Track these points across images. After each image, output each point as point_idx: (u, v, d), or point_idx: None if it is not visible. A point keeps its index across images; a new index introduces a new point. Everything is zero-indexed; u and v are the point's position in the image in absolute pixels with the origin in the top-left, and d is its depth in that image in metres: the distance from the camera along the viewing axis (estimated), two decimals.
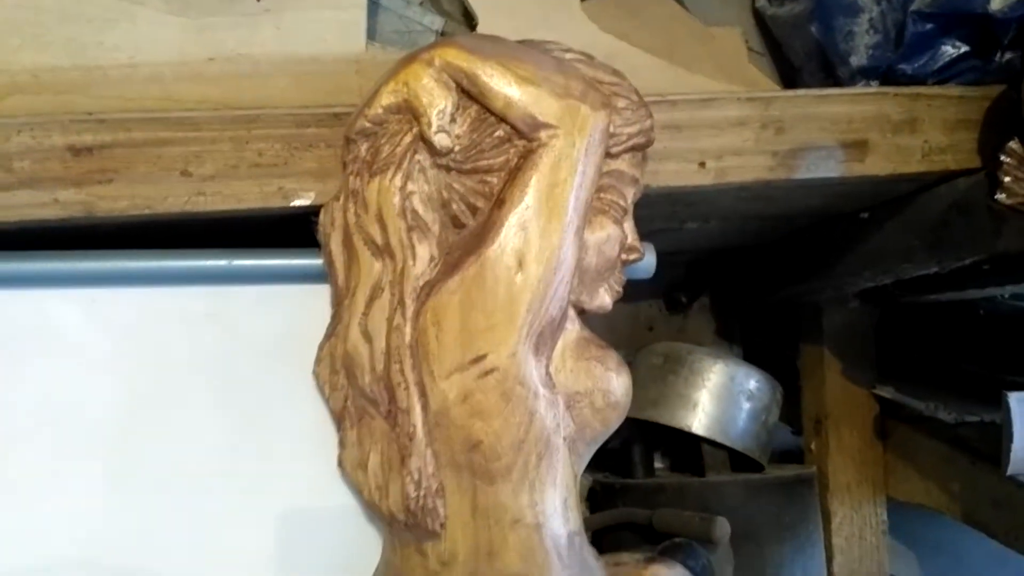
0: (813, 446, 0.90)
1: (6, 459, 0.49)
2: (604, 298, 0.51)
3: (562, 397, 0.48)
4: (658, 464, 0.95)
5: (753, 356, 0.98)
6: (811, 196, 0.62)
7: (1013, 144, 0.51)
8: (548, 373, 0.48)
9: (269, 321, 0.51)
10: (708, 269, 0.99)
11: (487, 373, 0.46)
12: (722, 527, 0.71)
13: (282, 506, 0.50)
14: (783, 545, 0.82)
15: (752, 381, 0.88)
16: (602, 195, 0.49)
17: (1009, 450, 0.72)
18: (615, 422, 0.50)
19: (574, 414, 0.49)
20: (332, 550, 0.50)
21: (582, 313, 0.50)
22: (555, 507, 0.47)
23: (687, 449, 0.90)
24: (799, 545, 0.83)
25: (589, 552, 0.49)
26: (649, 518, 0.78)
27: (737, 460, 0.89)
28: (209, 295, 0.51)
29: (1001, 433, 0.73)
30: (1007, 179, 0.51)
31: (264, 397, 0.51)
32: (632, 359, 0.94)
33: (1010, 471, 0.72)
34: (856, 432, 0.88)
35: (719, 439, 0.86)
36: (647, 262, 0.55)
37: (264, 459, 0.51)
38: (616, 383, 0.50)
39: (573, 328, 0.49)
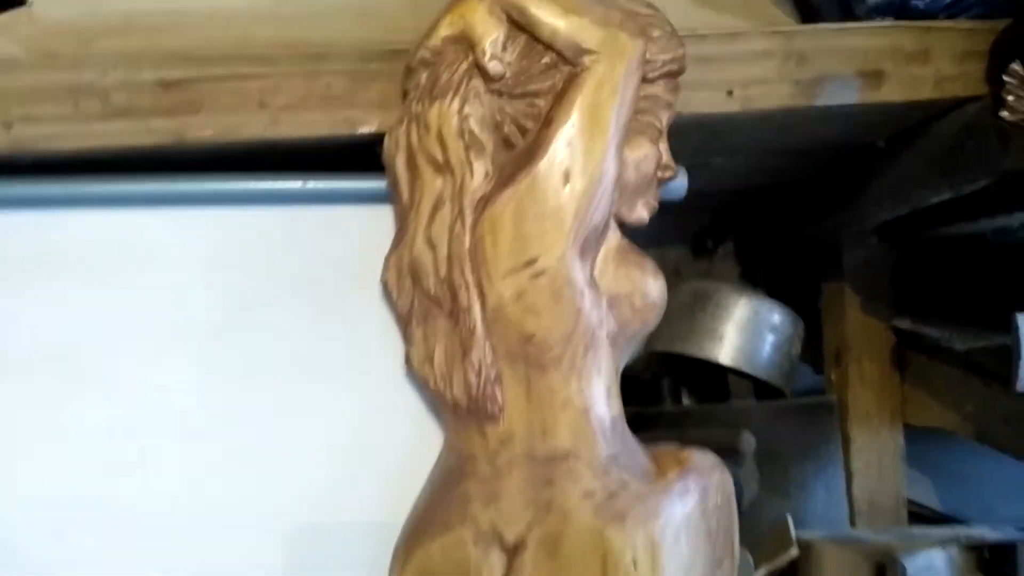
0: (833, 377, 0.95)
1: (111, 359, 0.55)
2: (642, 212, 0.56)
3: (605, 298, 0.54)
4: (685, 400, 1.01)
5: (776, 297, 1.03)
6: (830, 126, 0.67)
7: (1015, 65, 0.56)
8: (592, 276, 0.53)
9: (339, 238, 0.57)
10: (732, 215, 1.04)
11: (539, 275, 0.52)
12: (747, 440, 0.77)
13: (353, 401, 0.56)
14: (805, 465, 0.88)
15: (775, 315, 0.93)
16: (639, 117, 0.54)
17: (1019, 367, 0.77)
18: (652, 321, 0.56)
19: (615, 313, 0.54)
20: (397, 440, 0.56)
21: (622, 225, 0.56)
22: (600, 393, 0.53)
23: (714, 381, 0.96)
24: (821, 466, 0.88)
25: (630, 435, 0.54)
26: (678, 439, 0.84)
27: (761, 392, 0.94)
28: (286, 215, 0.57)
29: (1011, 354, 0.78)
30: (1010, 98, 0.56)
31: (336, 305, 0.57)
32: None
33: (1020, 388, 0.77)
34: (875, 363, 0.93)
35: (744, 369, 0.91)
36: (679, 183, 0.60)
37: (338, 360, 0.57)
38: (653, 286, 0.55)
39: (614, 237, 0.55)
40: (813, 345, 1.02)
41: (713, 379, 0.95)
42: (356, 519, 0.55)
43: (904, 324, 0.91)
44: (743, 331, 0.92)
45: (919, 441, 1.00)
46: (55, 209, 0.54)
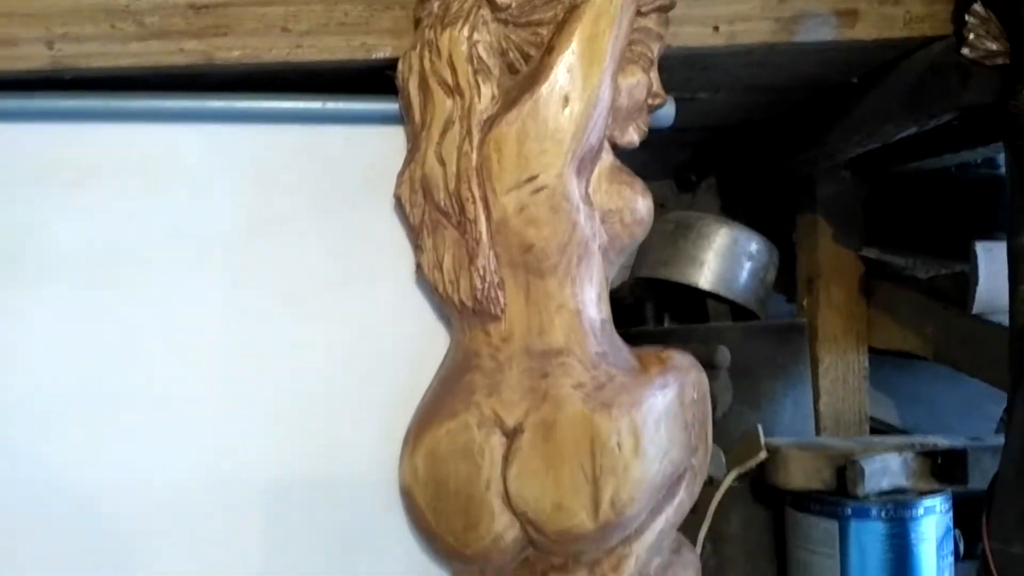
0: (805, 303, 1.02)
1: (144, 264, 0.60)
2: (632, 135, 0.61)
3: (598, 213, 0.59)
4: (667, 323, 1.08)
5: (755, 228, 1.09)
6: (808, 62, 0.72)
7: (977, 6, 0.61)
8: (587, 192, 0.59)
9: (355, 155, 0.62)
10: (714, 151, 1.09)
11: (539, 190, 0.57)
12: (723, 354, 0.84)
13: (368, 304, 0.62)
14: (776, 381, 0.95)
15: (753, 243, 0.99)
16: (633, 47, 0.59)
17: (975, 292, 0.84)
18: (640, 236, 0.62)
19: (607, 227, 0.60)
20: (409, 339, 0.62)
21: (615, 147, 0.61)
22: (591, 298, 0.59)
23: (694, 305, 1.02)
24: (790, 382, 0.95)
25: (617, 336, 0.61)
26: None
27: (737, 316, 1.01)
28: (306, 133, 0.62)
29: (968, 280, 0.85)
30: (971, 36, 0.61)
31: (352, 217, 0.62)
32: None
33: (975, 310, 0.84)
34: (843, 290, 1.00)
35: (723, 293, 0.97)
36: (667, 111, 0.65)
37: (354, 267, 0.62)
38: (641, 203, 0.61)
39: (608, 158, 0.60)
40: (788, 275, 1.08)
41: (693, 303, 1.01)
42: (371, 410, 0.62)
43: (872, 253, 0.98)
44: (722, 258, 0.98)
45: (883, 366, 1.08)
46: (94, 123, 0.59)
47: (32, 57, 0.58)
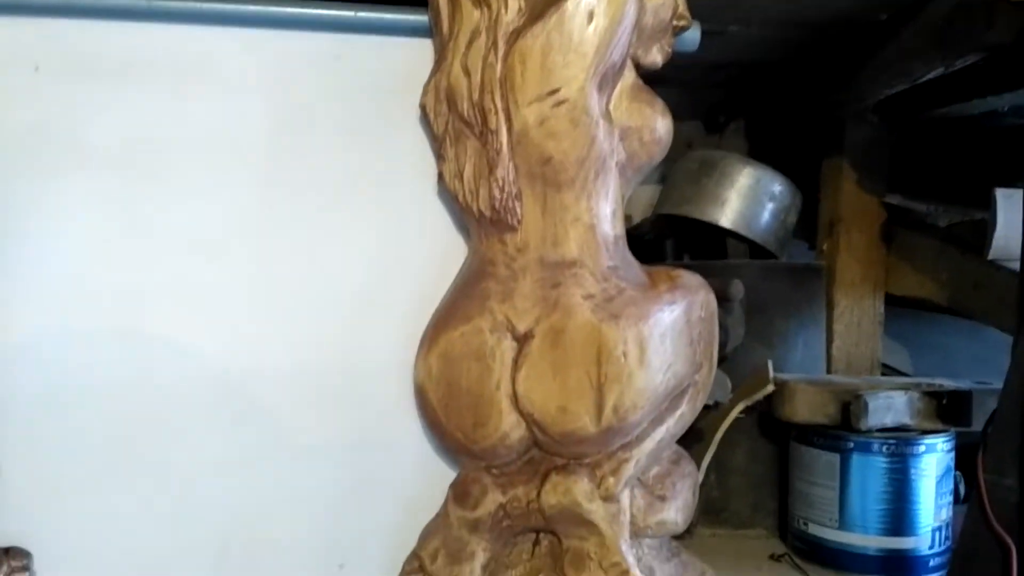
0: (825, 246, 1.03)
1: (177, 160, 0.63)
2: (656, 56, 0.62)
3: (617, 130, 0.61)
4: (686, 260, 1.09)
5: (782, 171, 1.09)
6: None
7: None
8: (608, 109, 0.60)
9: (383, 65, 0.64)
10: (744, 92, 1.10)
11: (560, 103, 0.58)
12: (736, 287, 0.85)
13: (391, 210, 0.64)
14: (789, 321, 0.96)
15: (776, 185, 1.00)
16: None
17: (992, 237, 0.84)
18: (657, 156, 0.63)
19: (625, 145, 0.61)
20: (429, 246, 0.64)
21: (638, 66, 0.62)
22: (606, 213, 0.61)
23: (714, 244, 1.03)
24: (803, 323, 0.97)
25: (629, 252, 0.62)
26: None
27: (756, 257, 1.02)
28: (338, 41, 0.63)
29: (987, 226, 0.85)
30: None
31: (379, 125, 0.64)
32: (671, 166, 1.06)
33: (991, 255, 0.85)
34: (864, 235, 1.01)
35: (742, 232, 0.99)
36: (693, 35, 0.66)
37: (378, 173, 0.64)
38: (660, 123, 0.62)
39: (630, 76, 0.61)
40: (811, 221, 1.09)
41: (714, 242, 1.02)
42: (390, 311, 0.64)
43: (895, 200, 0.98)
44: (744, 198, 0.99)
45: (900, 317, 1.09)
46: (136, 21, 0.61)
47: None
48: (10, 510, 0.60)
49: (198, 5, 0.62)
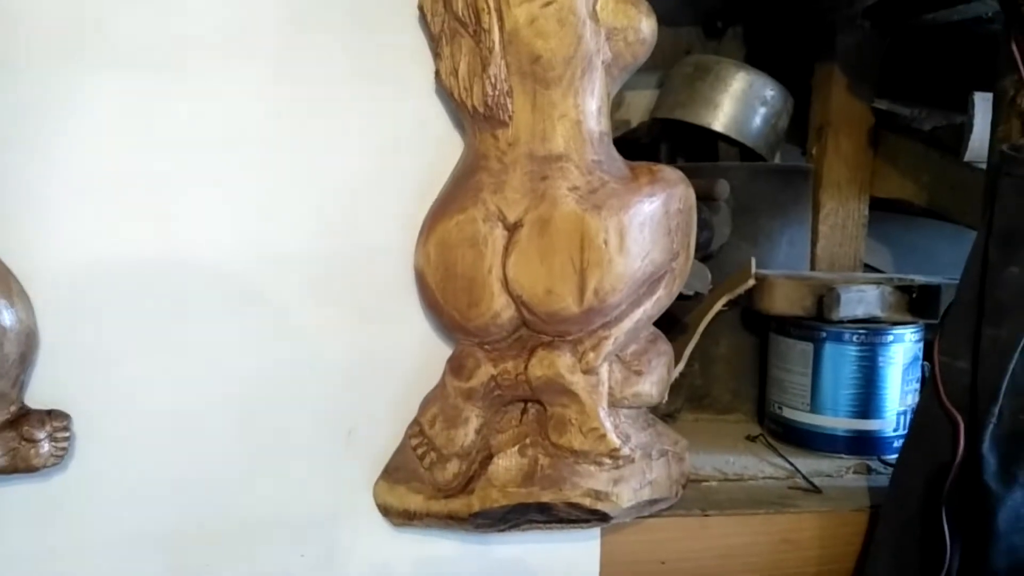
0: (814, 150, 1.07)
1: (196, 57, 0.67)
2: None
3: (604, 30, 0.64)
4: (680, 162, 1.13)
5: (778, 78, 1.12)
6: None
7: None
8: (594, 9, 0.64)
9: None
10: None
11: (549, 3, 0.62)
12: (721, 186, 0.90)
13: (393, 105, 0.69)
14: (774, 219, 1.01)
15: (768, 90, 1.03)
16: None
17: (968, 139, 0.88)
18: (642, 56, 0.67)
19: (611, 44, 0.65)
20: (427, 139, 0.69)
21: None
22: (591, 110, 0.65)
23: (707, 147, 1.07)
24: (788, 221, 1.02)
25: (613, 148, 0.67)
26: None
27: (746, 160, 1.06)
28: None
29: (964, 129, 0.89)
30: None
31: (380, 24, 0.68)
32: (668, 72, 1.09)
33: (967, 157, 0.89)
34: (852, 139, 1.04)
35: (734, 136, 1.02)
36: None
37: (380, 70, 0.68)
38: (645, 23, 0.66)
39: None
40: (803, 126, 1.12)
41: (707, 145, 1.06)
42: (392, 200, 0.69)
43: (883, 105, 1.01)
44: (737, 102, 1.03)
45: (885, 220, 1.13)
46: None
47: None
48: (51, 376, 0.67)
49: None
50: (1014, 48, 0.68)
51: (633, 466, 0.69)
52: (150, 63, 0.66)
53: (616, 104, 1.19)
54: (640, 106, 1.15)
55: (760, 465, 0.86)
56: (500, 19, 0.63)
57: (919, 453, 0.71)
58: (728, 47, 1.17)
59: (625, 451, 0.68)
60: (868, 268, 1.12)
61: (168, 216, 0.68)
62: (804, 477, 0.83)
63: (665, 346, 0.71)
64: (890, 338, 0.88)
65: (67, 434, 0.66)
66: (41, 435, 0.64)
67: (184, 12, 0.66)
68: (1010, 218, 0.67)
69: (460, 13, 0.64)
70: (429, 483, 0.70)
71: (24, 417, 0.64)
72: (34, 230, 0.66)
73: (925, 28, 0.97)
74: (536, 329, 0.67)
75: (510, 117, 0.65)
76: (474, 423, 0.68)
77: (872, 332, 0.87)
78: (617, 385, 0.68)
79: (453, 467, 0.69)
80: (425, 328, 0.71)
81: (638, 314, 0.68)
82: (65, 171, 0.66)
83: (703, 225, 0.92)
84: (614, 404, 0.68)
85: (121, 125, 0.67)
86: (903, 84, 1.03)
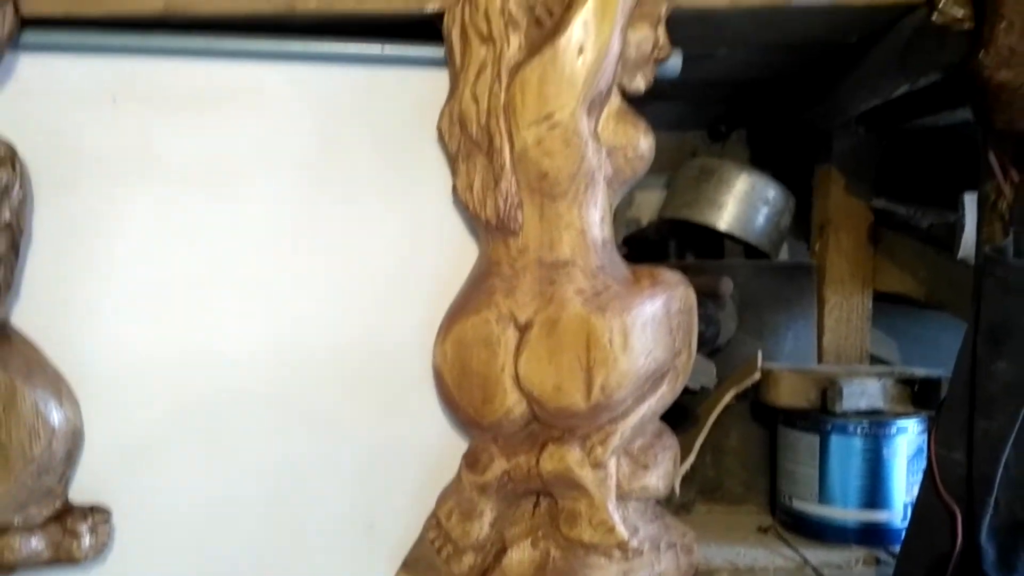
0: (816, 247, 1.11)
1: (236, 177, 0.73)
2: (639, 83, 0.72)
3: (605, 148, 0.70)
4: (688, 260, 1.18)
5: (780, 178, 1.18)
6: (809, 23, 0.80)
7: None
8: (596, 130, 0.70)
9: (406, 93, 0.74)
10: (743, 104, 1.18)
11: (554, 126, 0.68)
12: (725, 283, 0.94)
13: (413, 218, 0.75)
14: (779, 314, 1.05)
15: (770, 190, 1.09)
16: (642, 6, 0.69)
17: (960, 238, 0.92)
18: (641, 170, 0.72)
19: (612, 161, 0.71)
20: (445, 249, 0.75)
21: (623, 92, 0.71)
22: (595, 220, 0.70)
23: (713, 245, 1.12)
24: (793, 316, 1.05)
25: (616, 253, 0.72)
26: None
27: (751, 257, 1.11)
28: (367, 73, 0.74)
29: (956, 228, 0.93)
30: (941, 4, 0.69)
31: (402, 144, 0.74)
32: (675, 173, 1.15)
33: (961, 255, 0.92)
34: (852, 237, 1.09)
35: (738, 234, 1.07)
36: (674, 63, 0.75)
37: (402, 186, 0.74)
38: (643, 141, 0.71)
39: (616, 101, 0.71)
40: (807, 221, 1.17)
41: (713, 243, 1.11)
42: (413, 304, 0.74)
43: (880, 204, 1.06)
44: (741, 202, 1.08)
45: (890, 312, 1.17)
46: (197, 59, 0.72)
47: (150, 3, 0.71)
48: (93, 471, 0.71)
49: (250, 44, 0.72)
50: (991, 157, 0.73)
51: (642, 559, 0.72)
52: (192, 179, 0.73)
53: (627, 203, 1.25)
54: (650, 205, 1.21)
55: (771, 557, 0.88)
56: (510, 140, 0.69)
57: (920, 544, 0.73)
58: (732, 150, 1.23)
59: (634, 543, 0.71)
60: (875, 359, 1.14)
61: (204, 317, 0.74)
62: (814, 569, 0.85)
63: (671, 440, 0.75)
64: (894, 430, 0.90)
65: (108, 528, 0.71)
66: (84, 529, 0.68)
67: (223, 133, 0.73)
68: (995, 316, 0.70)
69: (474, 135, 0.70)
70: None
71: (68, 512, 0.69)
72: (83, 334, 0.72)
73: (917, 132, 1.03)
74: (547, 424, 0.71)
75: (520, 227, 0.70)
76: (488, 516, 0.72)
77: (876, 424, 0.90)
78: (625, 478, 0.71)
79: (468, 560, 0.72)
80: (443, 423, 0.75)
81: (643, 409, 0.72)
82: (112, 279, 0.72)
83: (709, 320, 0.96)
84: (622, 497, 0.71)
85: (163, 236, 0.73)
86: (899, 184, 1.08)
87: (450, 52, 0.71)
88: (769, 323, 1.04)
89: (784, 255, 1.18)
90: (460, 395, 0.72)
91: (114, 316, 0.72)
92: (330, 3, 0.72)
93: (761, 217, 1.08)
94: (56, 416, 0.68)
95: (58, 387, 0.69)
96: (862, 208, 1.08)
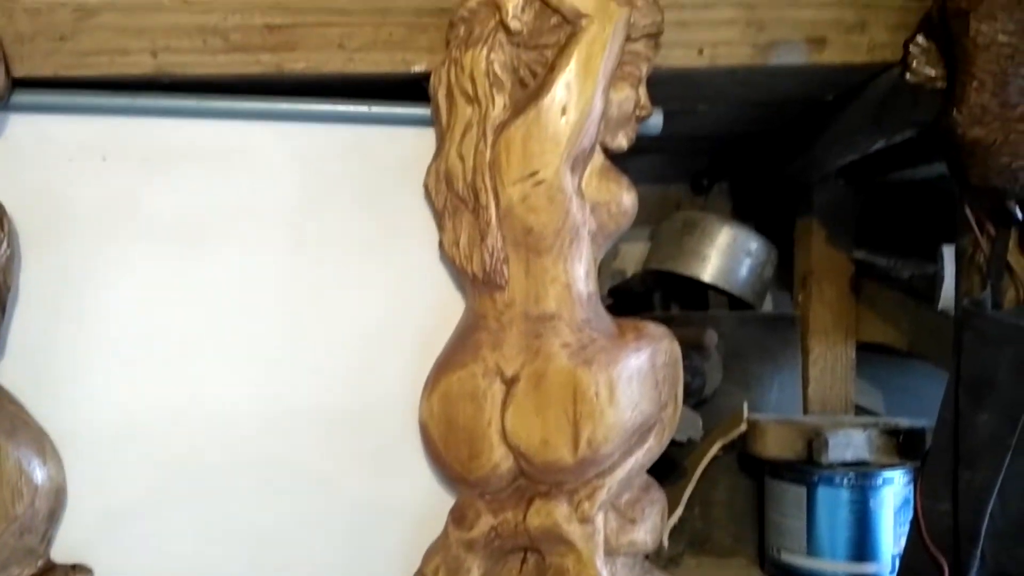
0: (800, 298, 1.12)
1: (222, 235, 0.74)
2: (621, 141, 0.73)
3: (588, 204, 0.71)
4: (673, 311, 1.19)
5: (761, 229, 1.20)
6: (785, 81, 0.83)
7: (919, 37, 0.71)
8: (580, 187, 0.71)
9: (393, 151, 0.75)
10: (724, 158, 1.20)
11: (539, 183, 0.69)
12: (710, 335, 0.95)
13: (400, 273, 0.75)
14: (764, 365, 1.06)
15: (752, 242, 1.10)
16: (623, 67, 0.71)
17: (940, 290, 0.93)
18: (624, 225, 0.73)
19: (596, 216, 0.72)
20: (432, 304, 0.75)
21: (606, 150, 0.73)
22: (580, 274, 0.71)
23: (697, 296, 1.13)
24: (778, 366, 1.06)
25: (602, 307, 0.73)
26: None
27: (736, 308, 1.12)
28: (355, 132, 0.75)
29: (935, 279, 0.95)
30: (914, 63, 0.71)
31: (390, 202, 0.75)
32: (659, 226, 1.17)
33: (941, 306, 0.94)
34: (834, 287, 1.10)
35: (722, 286, 1.09)
36: (655, 120, 0.76)
37: (389, 242, 0.75)
38: (625, 197, 0.73)
39: (599, 158, 0.72)
40: (790, 274, 1.19)
41: (697, 294, 1.12)
42: (399, 358, 0.75)
43: (861, 255, 1.08)
44: (723, 255, 1.09)
45: (874, 361, 1.18)
46: (187, 119, 0.73)
47: (140, 64, 0.72)
48: (75, 529, 0.71)
49: (238, 104, 0.74)
50: (967, 212, 0.75)
51: None
52: (179, 236, 0.74)
53: (612, 254, 1.26)
54: (634, 256, 1.23)
55: None
56: (496, 197, 0.70)
57: None
58: (714, 202, 1.25)
59: None
60: (860, 409, 1.15)
61: (189, 374, 0.74)
62: None
63: (658, 494, 0.75)
64: (880, 481, 0.90)
65: None
66: None
67: (212, 191, 0.74)
68: (976, 368, 0.71)
69: (461, 192, 0.71)
70: None
71: (50, 571, 0.68)
72: (68, 391, 0.71)
73: (895, 184, 1.05)
74: (534, 479, 0.71)
75: (506, 281, 0.71)
76: (475, 573, 0.71)
77: (863, 475, 0.90)
78: (613, 534, 0.71)
79: None
80: (430, 479, 0.75)
81: (630, 463, 0.72)
82: (98, 336, 0.72)
83: (695, 372, 0.97)
84: (611, 552, 0.71)
85: (150, 292, 0.74)
86: (879, 235, 1.09)
87: (436, 112, 0.73)
88: (754, 374, 1.05)
89: (768, 305, 1.19)
90: (447, 450, 0.71)
91: (99, 373, 0.72)
92: (318, 64, 0.73)
93: (744, 268, 1.10)
94: (39, 474, 0.67)
95: (42, 445, 0.68)
96: (843, 259, 1.10)
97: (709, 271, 1.09)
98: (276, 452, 0.74)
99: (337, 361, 0.74)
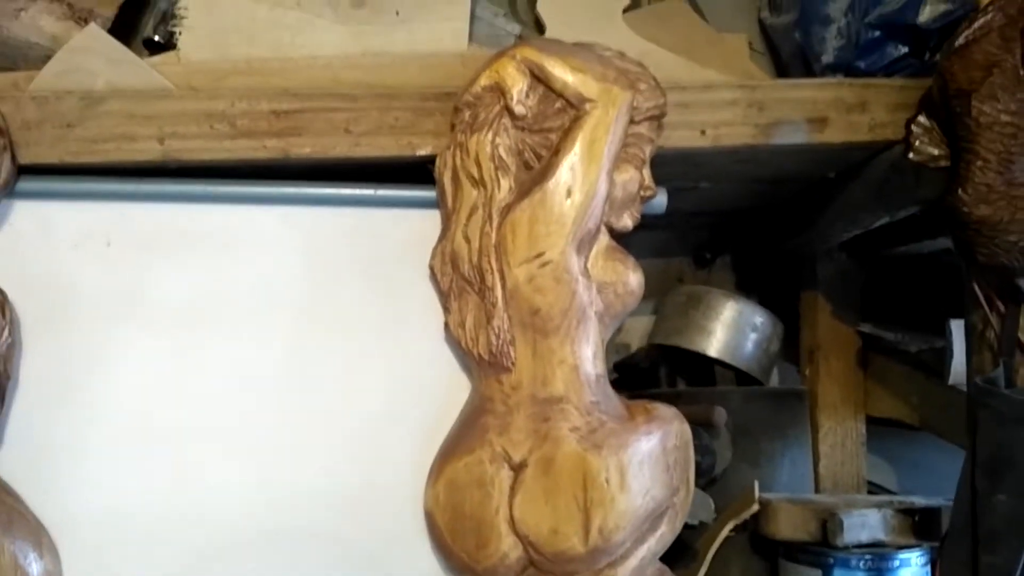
0: (807, 372, 1.11)
1: (229, 317, 0.73)
2: (627, 221, 0.73)
3: (595, 284, 0.71)
4: (679, 386, 1.17)
5: (766, 303, 1.19)
6: (787, 160, 0.83)
7: (921, 117, 0.72)
8: (586, 267, 0.71)
9: (399, 233, 0.75)
10: (727, 232, 1.20)
11: (545, 264, 0.69)
12: (719, 413, 0.93)
13: (406, 355, 0.74)
14: (775, 443, 1.04)
15: (758, 317, 1.09)
16: (627, 149, 0.72)
17: (950, 364, 0.92)
18: (631, 304, 0.73)
19: (603, 297, 0.72)
20: (437, 386, 0.74)
21: (611, 230, 0.73)
22: (587, 355, 0.70)
23: (703, 371, 1.12)
24: (788, 444, 1.04)
25: (610, 388, 0.72)
26: None
27: (742, 382, 1.10)
28: (361, 214, 0.75)
29: (945, 354, 0.94)
30: (917, 143, 0.72)
31: (395, 283, 0.75)
32: (663, 300, 1.16)
33: (951, 381, 0.92)
34: (842, 361, 1.09)
35: (728, 360, 1.07)
36: (659, 200, 0.77)
37: (395, 324, 0.75)
38: (632, 277, 0.72)
39: (604, 239, 0.72)
40: (796, 347, 1.18)
41: (703, 369, 1.11)
42: (403, 444, 0.73)
43: (867, 328, 1.07)
44: (729, 329, 1.08)
45: (886, 435, 1.16)
46: (194, 203, 0.74)
47: (147, 150, 0.73)
48: None
49: (246, 189, 0.74)
50: (976, 289, 0.74)
51: None
52: (182, 321, 0.73)
53: (615, 328, 1.25)
54: (638, 330, 1.21)
55: None
56: (502, 278, 0.70)
57: None
58: (719, 275, 1.25)
59: None
60: (872, 486, 1.13)
61: (191, 462, 0.72)
62: None
63: None
64: (897, 563, 0.88)
65: None
66: None
67: (217, 275, 0.74)
68: (992, 448, 0.70)
69: (466, 273, 0.71)
70: None
71: None
72: (66, 482, 0.70)
73: (899, 257, 1.05)
74: (544, 569, 0.69)
75: (513, 364, 0.70)
76: None
77: (879, 557, 0.88)
78: None
79: None
80: (434, 569, 0.73)
81: (642, 551, 0.70)
82: (99, 425, 0.71)
83: (705, 451, 0.95)
84: None
85: (152, 379, 0.73)
86: (885, 309, 1.09)
87: (442, 194, 0.73)
88: (765, 450, 1.03)
89: (775, 379, 1.18)
90: (453, 540, 0.70)
91: (99, 462, 0.70)
92: (324, 149, 0.74)
93: (750, 343, 1.09)
94: (35, 568, 0.65)
95: (38, 537, 0.67)
96: (850, 333, 1.09)
97: (715, 346, 1.08)
98: (278, 539, 0.72)
99: (340, 446, 0.73)
